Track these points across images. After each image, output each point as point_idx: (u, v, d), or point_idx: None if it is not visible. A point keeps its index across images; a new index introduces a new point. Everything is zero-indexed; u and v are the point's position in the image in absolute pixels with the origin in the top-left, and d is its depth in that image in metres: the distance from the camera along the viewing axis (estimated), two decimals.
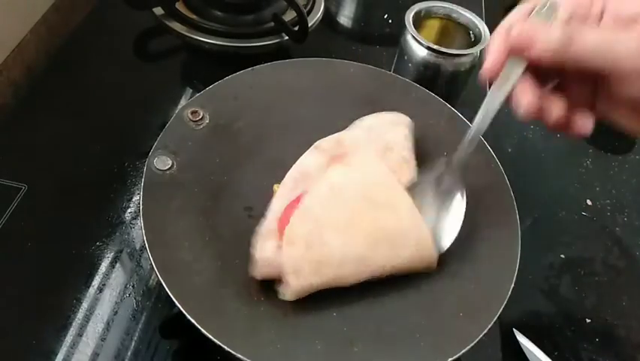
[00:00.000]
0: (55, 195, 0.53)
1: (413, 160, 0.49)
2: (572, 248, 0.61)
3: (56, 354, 0.43)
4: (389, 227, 0.44)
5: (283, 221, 0.44)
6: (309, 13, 0.71)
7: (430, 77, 0.59)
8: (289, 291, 0.42)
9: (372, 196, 0.45)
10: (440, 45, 0.57)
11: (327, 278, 0.42)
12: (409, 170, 0.48)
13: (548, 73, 0.36)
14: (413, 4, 0.60)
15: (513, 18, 0.37)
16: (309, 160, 0.48)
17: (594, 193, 0.67)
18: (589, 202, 0.66)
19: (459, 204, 0.46)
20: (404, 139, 0.50)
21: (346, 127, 0.53)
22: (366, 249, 0.43)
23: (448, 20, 0.62)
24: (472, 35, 0.60)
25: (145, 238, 0.40)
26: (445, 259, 0.47)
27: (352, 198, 0.45)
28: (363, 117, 0.52)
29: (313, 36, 0.68)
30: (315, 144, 0.49)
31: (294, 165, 0.48)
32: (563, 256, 0.60)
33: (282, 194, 0.46)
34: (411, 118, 0.53)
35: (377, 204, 0.45)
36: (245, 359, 0.36)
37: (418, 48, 0.58)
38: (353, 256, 0.43)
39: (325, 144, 0.49)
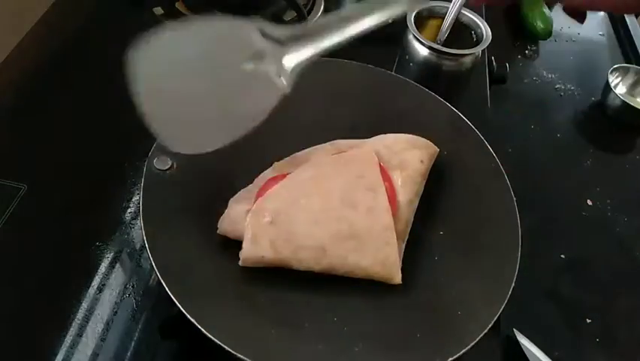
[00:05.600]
0: (55, 195, 0.53)
1: (420, 183, 0.49)
2: (572, 248, 0.61)
3: (56, 354, 0.43)
4: (360, 229, 0.44)
5: (261, 191, 0.46)
6: (309, 13, 0.71)
7: (431, 77, 0.59)
8: (242, 257, 0.43)
9: (354, 196, 0.45)
10: (442, 45, 0.57)
11: (281, 256, 0.43)
12: (412, 189, 0.48)
13: None
14: None
15: None
16: (318, 149, 0.50)
17: (594, 193, 0.67)
18: (589, 202, 0.66)
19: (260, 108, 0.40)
20: (419, 162, 0.49)
21: (346, 127, 0.53)
22: (330, 242, 0.43)
23: None
24: (473, 35, 0.60)
25: (145, 238, 0.40)
26: (446, 258, 0.47)
27: (333, 191, 0.45)
28: (388, 134, 0.52)
29: None
30: (332, 141, 0.51)
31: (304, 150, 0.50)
32: (563, 256, 0.60)
33: (278, 168, 0.48)
34: (411, 118, 0.54)
35: (355, 205, 0.45)
36: (245, 359, 0.36)
37: (419, 48, 0.58)
38: (313, 244, 0.43)
39: (340, 142, 0.50)
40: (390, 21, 0.38)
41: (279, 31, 0.38)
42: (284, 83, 0.39)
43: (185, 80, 0.37)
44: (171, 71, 0.37)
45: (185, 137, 0.39)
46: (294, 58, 0.39)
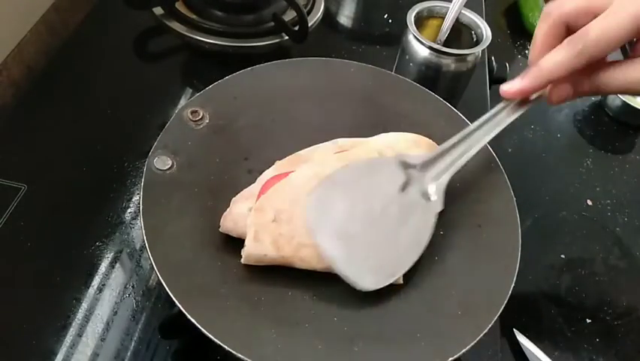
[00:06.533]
0: (55, 195, 0.53)
1: None
2: (572, 248, 0.61)
3: (56, 354, 0.43)
4: None
5: (263, 189, 0.46)
6: (309, 13, 0.71)
7: (431, 77, 0.59)
8: (245, 254, 0.43)
9: None
10: (442, 45, 0.57)
11: (283, 254, 0.43)
12: None
13: None
14: (414, 3, 0.60)
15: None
16: (321, 148, 0.50)
17: (594, 193, 0.67)
18: (589, 202, 0.66)
19: (423, 229, 0.44)
20: None
21: (346, 127, 0.53)
22: None
23: None
24: (474, 35, 0.60)
25: (145, 238, 0.40)
26: (446, 258, 0.47)
27: None
28: (390, 133, 0.52)
29: (313, 36, 0.68)
30: (335, 140, 0.51)
31: (306, 148, 0.50)
32: (563, 256, 0.60)
33: (278, 166, 0.48)
34: (411, 118, 0.54)
35: None
36: (245, 359, 0.36)
37: (419, 48, 0.58)
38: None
39: (342, 141, 0.51)
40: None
41: (415, 159, 0.46)
42: (436, 200, 0.45)
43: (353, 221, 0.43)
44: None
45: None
46: (436, 177, 0.45)
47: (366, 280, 0.42)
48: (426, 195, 0.45)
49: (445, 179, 0.45)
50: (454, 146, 0.46)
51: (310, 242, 0.43)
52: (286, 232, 0.43)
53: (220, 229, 0.45)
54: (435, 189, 0.45)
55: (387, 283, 0.42)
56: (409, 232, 0.44)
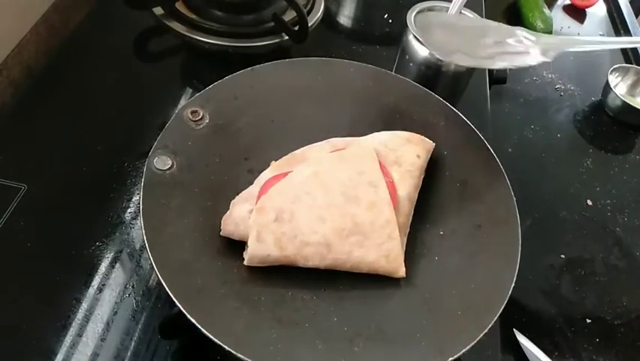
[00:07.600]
0: (55, 195, 0.53)
1: (418, 177, 0.50)
2: (572, 248, 0.61)
3: (56, 354, 0.43)
4: (363, 224, 0.44)
5: (263, 190, 0.46)
6: (309, 13, 0.71)
7: (431, 77, 0.59)
8: (248, 256, 0.43)
9: (355, 191, 0.46)
10: None
11: (287, 253, 0.43)
12: (411, 183, 0.49)
13: None
14: (414, 3, 0.60)
15: None
16: (315, 147, 0.50)
17: (594, 193, 0.67)
18: (589, 202, 0.66)
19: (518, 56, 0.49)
20: (415, 157, 0.50)
21: (346, 127, 0.53)
22: (334, 238, 0.43)
23: None
24: None
25: (145, 238, 0.40)
26: (446, 258, 0.47)
27: (334, 188, 0.46)
28: (383, 132, 0.52)
29: (313, 36, 0.68)
30: (329, 140, 0.51)
31: (300, 148, 0.50)
32: (563, 256, 0.60)
33: (276, 167, 0.48)
34: (411, 118, 0.54)
35: (358, 201, 0.45)
36: (245, 359, 0.36)
37: (419, 48, 0.58)
38: (318, 241, 0.43)
39: (336, 140, 0.51)
40: None
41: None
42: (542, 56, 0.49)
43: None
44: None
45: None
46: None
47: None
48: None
49: (554, 52, 0.48)
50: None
51: (313, 240, 0.43)
52: (289, 230, 0.43)
53: (221, 233, 0.45)
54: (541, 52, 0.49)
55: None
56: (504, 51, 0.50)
